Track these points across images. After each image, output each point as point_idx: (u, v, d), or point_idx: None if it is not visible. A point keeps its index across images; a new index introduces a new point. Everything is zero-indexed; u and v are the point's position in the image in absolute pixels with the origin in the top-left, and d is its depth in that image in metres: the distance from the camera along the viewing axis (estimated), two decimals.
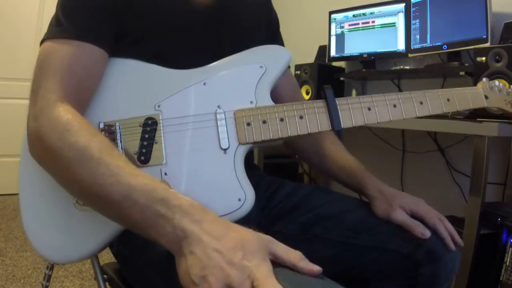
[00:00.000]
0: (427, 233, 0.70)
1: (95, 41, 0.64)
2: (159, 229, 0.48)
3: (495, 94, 0.81)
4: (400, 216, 0.72)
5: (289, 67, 0.77)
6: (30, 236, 0.64)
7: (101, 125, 0.65)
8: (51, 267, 0.70)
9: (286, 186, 0.84)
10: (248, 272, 0.43)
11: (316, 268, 0.47)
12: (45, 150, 0.56)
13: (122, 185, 0.51)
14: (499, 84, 0.83)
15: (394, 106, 0.71)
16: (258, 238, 0.47)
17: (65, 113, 0.56)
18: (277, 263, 0.48)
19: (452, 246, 0.72)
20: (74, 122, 0.56)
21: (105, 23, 0.66)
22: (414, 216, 0.74)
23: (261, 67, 0.69)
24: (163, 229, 0.48)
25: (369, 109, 0.69)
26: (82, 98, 0.63)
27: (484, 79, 0.83)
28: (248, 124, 0.65)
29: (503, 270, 1.20)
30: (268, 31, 0.88)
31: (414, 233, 0.71)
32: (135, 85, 0.68)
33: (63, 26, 0.63)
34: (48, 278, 0.70)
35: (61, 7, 0.66)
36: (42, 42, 0.64)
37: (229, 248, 0.44)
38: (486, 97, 0.80)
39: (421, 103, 0.72)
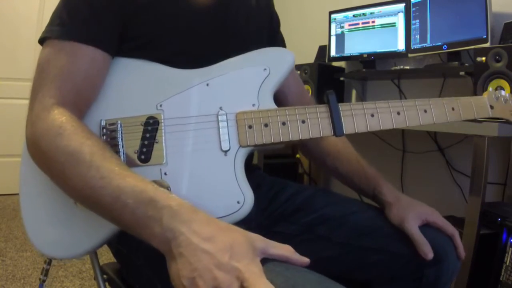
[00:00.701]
0: (430, 255, 0.70)
1: (97, 43, 0.63)
2: (149, 230, 0.49)
3: (500, 104, 0.80)
4: (412, 228, 0.72)
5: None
6: (30, 233, 0.64)
7: (103, 123, 0.65)
8: (49, 261, 0.70)
9: (288, 187, 0.83)
10: (237, 274, 0.43)
11: (306, 260, 0.49)
12: (41, 155, 0.57)
13: (112, 187, 0.51)
14: (505, 94, 0.81)
15: (398, 113, 0.70)
16: (248, 238, 0.47)
17: (59, 116, 0.57)
18: (269, 259, 0.48)
19: (463, 255, 0.73)
20: (68, 125, 0.56)
21: (109, 26, 0.65)
22: (428, 225, 0.74)
23: (264, 69, 0.69)
24: (153, 230, 0.48)
25: (372, 115, 0.69)
26: (81, 102, 0.62)
27: (490, 88, 0.82)
28: (250, 126, 0.65)
29: (503, 270, 1.21)
30: (269, 30, 0.87)
31: (418, 249, 0.70)
32: (138, 84, 0.68)
33: (65, 27, 0.62)
34: (45, 272, 0.70)
35: (64, 5, 0.64)
36: (43, 39, 0.63)
37: (218, 249, 0.45)
38: (491, 107, 0.78)
39: (425, 111, 0.72)
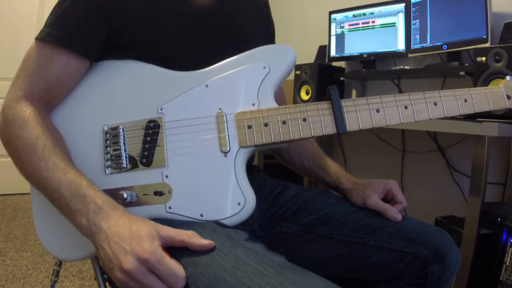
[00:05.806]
0: (399, 217, 0.75)
1: (73, 49, 0.66)
2: (78, 220, 0.57)
3: None
4: (374, 201, 0.77)
5: None
6: (40, 235, 0.67)
7: (105, 128, 0.66)
8: (59, 263, 0.72)
9: (289, 189, 0.84)
10: (138, 255, 0.51)
11: (207, 242, 0.53)
12: (6, 140, 0.64)
13: (54, 179, 0.59)
14: None
15: (405, 107, 0.66)
16: (149, 226, 0.55)
17: (25, 109, 0.64)
18: (283, 265, 0.52)
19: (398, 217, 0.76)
20: (30, 119, 0.63)
21: (94, 32, 0.67)
22: (388, 195, 0.81)
23: (264, 67, 0.68)
24: (81, 221, 0.57)
25: (377, 110, 0.66)
26: (50, 98, 0.67)
27: (508, 77, 0.73)
28: (249, 127, 0.65)
29: (503, 270, 1.21)
30: (265, 36, 0.89)
31: (386, 216, 0.75)
32: (138, 88, 0.68)
33: (50, 29, 0.66)
34: (56, 273, 0.73)
35: (56, 7, 0.67)
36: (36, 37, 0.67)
37: (124, 239, 0.53)
38: (508, 97, 0.72)
39: (435, 104, 0.67)
